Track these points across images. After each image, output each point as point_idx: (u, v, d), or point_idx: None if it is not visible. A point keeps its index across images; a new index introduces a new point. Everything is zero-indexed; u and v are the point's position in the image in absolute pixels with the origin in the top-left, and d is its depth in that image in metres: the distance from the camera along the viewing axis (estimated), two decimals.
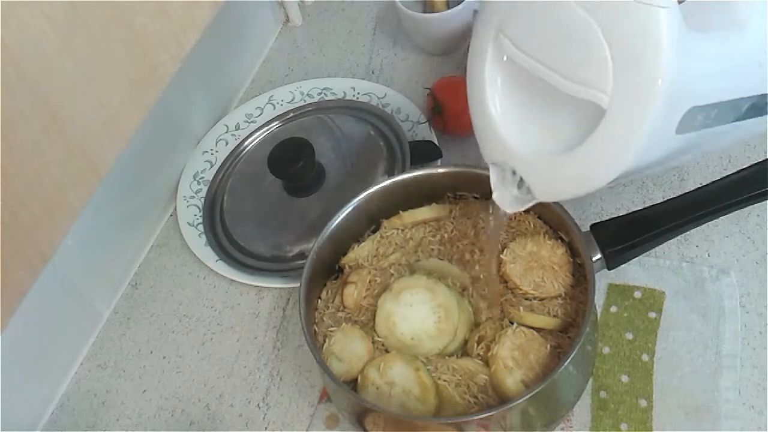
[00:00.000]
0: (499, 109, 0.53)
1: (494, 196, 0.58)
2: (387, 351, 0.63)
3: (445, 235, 0.70)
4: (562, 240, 0.66)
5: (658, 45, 0.43)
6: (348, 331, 0.64)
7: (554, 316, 0.63)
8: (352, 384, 0.62)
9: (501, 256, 0.66)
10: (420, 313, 0.63)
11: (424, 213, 0.71)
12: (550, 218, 0.68)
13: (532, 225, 0.69)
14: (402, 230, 0.71)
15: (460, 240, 0.69)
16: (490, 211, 0.60)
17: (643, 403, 0.66)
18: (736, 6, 0.50)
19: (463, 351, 0.64)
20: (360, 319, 0.66)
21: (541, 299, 0.64)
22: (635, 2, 0.43)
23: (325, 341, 0.64)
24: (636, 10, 0.43)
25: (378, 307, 0.64)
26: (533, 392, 0.56)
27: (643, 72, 0.44)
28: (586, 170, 0.50)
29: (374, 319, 0.64)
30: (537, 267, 0.65)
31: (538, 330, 0.62)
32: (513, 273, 0.65)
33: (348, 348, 0.63)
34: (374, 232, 0.72)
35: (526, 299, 0.65)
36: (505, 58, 0.53)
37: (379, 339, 0.64)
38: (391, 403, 0.60)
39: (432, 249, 0.70)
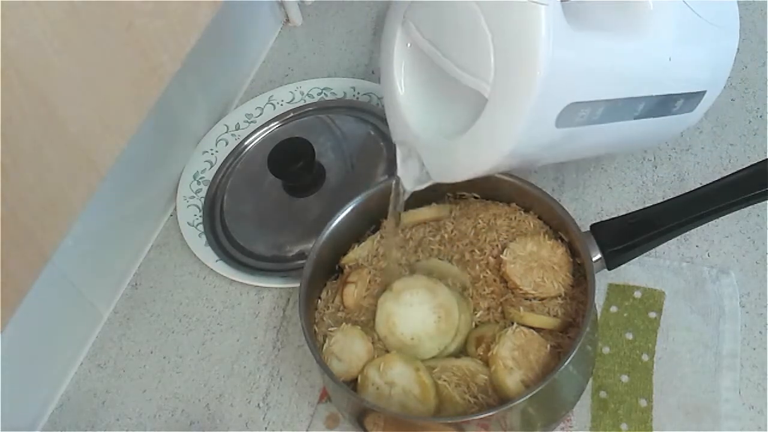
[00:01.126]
0: (403, 91, 0.55)
1: (398, 173, 0.61)
2: (387, 351, 0.63)
3: (445, 235, 0.70)
4: (562, 240, 0.67)
5: (535, 40, 0.45)
6: (348, 331, 0.64)
7: (554, 316, 0.63)
8: (352, 384, 0.62)
9: (501, 256, 0.66)
10: (420, 313, 0.63)
11: (424, 213, 0.71)
12: (550, 218, 0.68)
13: (532, 225, 0.69)
14: (402, 230, 0.71)
15: (460, 240, 0.69)
16: (392, 189, 0.63)
17: (643, 403, 0.66)
18: (633, 8, 0.51)
19: (463, 351, 0.64)
20: (360, 319, 0.66)
21: (541, 299, 0.64)
22: None
23: (325, 341, 0.64)
24: (518, 5, 0.44)
25: (378, 307, 0.64)
26: (533, 392, 0.56)
27: (520, 66, 0.46)
28: (471, 154, 0.52)
29: (374, 319, 0.64)
30: (537, 267, 0.65)
31: (538, 330, 0.62)
32: (513, 273, 0.65)
33: (348, 348, 0.63)
34: (374, 232, 0.72)
35: (526, 299, 0.65)
36: (409, 43, 0.55)
37: (379, 339, 0.64)
38: (391, 403, 0.60)
39: (432, 249, 0.70)
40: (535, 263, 0.65)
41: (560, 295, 0.64)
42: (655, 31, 0.51)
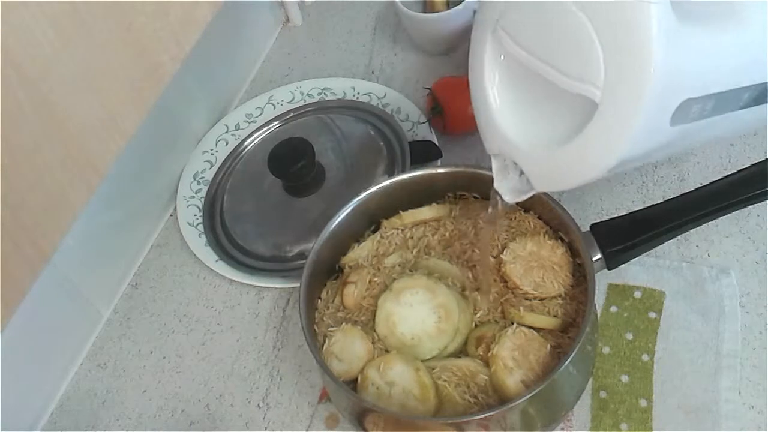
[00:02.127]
0: (498, 102, 0.54)
1: (495, 185, 0.58)
2: (387, 351, 0.63)
3: (446, 235, 0.70)
4: (562, 240, 0.66)
5: (647, 40, 0.44)
6: (348, 331, 0.64)
7: (554, 316, 0.63)
8: (352, 384, 0.62)
9: (501, 255, 0.66)
10: (420, 313, 0.63)
11: (424, 213, 0.71)
12: (550, 218, 0.68)
13: (532, 225, 0.69)
14: (402, 230, 0.71)
15: (460, 240, 0.69)
16: (491, 200, 0.61)
17: (643, 403, 0.66)
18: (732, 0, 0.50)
19: (463, 351, 0.64)
20: (360, 319, 0.66)
21: (541, 299, 0.64)
22: None
23: (325, 341, 0.64)
24: (625, 5, 0.43)
25: (378, 307, 0.64)
26: (533, 392, 0.56)
27: (633, 67, 0.45)
28: (581, 161, 0.51)
29: (374, 320, 0.64)
30: (537, 267, 0.65)
31: (538, 330, 0.62)
32: (513, 273, 0.65)
33: (348, 348, 0.63)
34: (374, 232, 0.72)
35: (526, 299, 0.65)
36: (502, 54, 0.53)
37: (380, 339, 0.64)
38: (391, 403, 0.60)
39: (432, 249, 0.70)
40: (535, 263, 0.65)
41: (560, 295, 0.64)
42: (755, 18, 0.49)
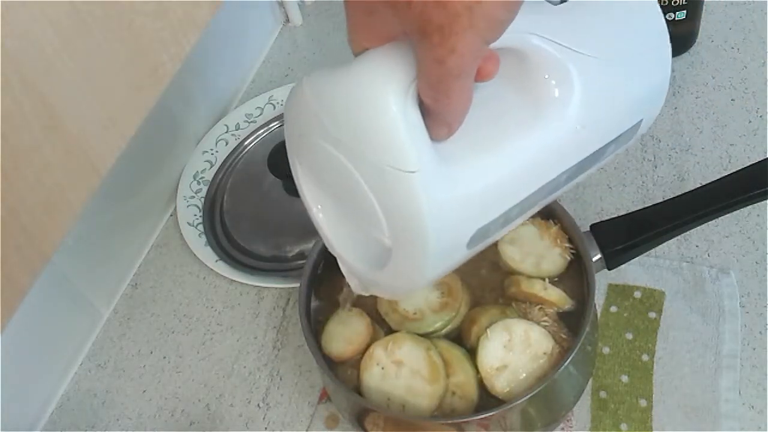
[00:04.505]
0: (322, 217, 0.53)
1: (347, 279, 0.57)
2: (385, 332, 0.63)
3: None
4: (553, 222, 0.66)
5: (414, 206, 0.43)
6: (346, 313, 0.64)
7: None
8: (354, 363, 0.62)
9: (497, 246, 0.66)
10: (423, 291, 0.63)
11: None
12: (549, 218, 0.68)
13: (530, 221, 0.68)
14: None
15: None
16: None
17: (643, 403, 0.66)
18: (529, 95, 0.47)
19: (458, 333, 0.63)
20: (359, 304, 0.66)
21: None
22: (387, 166, 0.42)
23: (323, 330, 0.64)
24: (389, 173, 0.42)
25: None
26: (533, 392, 0.56)
27: (410, 224, 0.44)
28: (395, 285, 0.51)
29: (375, 306, 0.64)
30: (533, 251, 0.65)
31: (543, 324, 0.61)
32: (511, 259, 0.64)
33: (347, 327, 0.63)
34: None
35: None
36: (310, 179, 0.52)
37: (380, 317, 0.63)
38: (396, 385, 0.59)
39: None
40: (531, 247, 0.65)
41: (561, 273, 0.64)
42: (555, 108, 0.46)
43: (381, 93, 0.41)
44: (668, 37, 0.49)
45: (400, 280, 0.49)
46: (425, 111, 0.41)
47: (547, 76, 0.46)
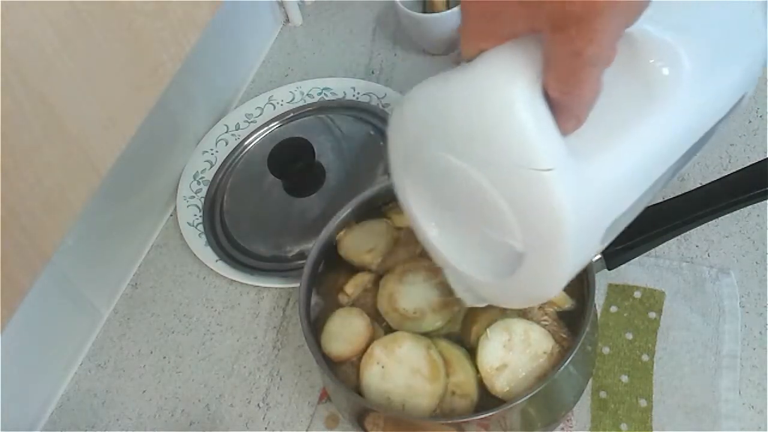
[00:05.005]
0: (436, 233, 0.52)
1: (456, 293, 0.57)
2: (385, 332, 0.63)
3: None
4: None
5: (553, 206, 0.42)
6: (346, 311, 0.64)
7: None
8: (354, 362, 0.62)
9: None
10: (423, 289, 0.63)
11: None
12: None
13: None
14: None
15: None
16: None
17: (643, 403, 0.66)
18: (644, 80, 0.46)
19: (458, 333, 0.63)
20: (359, 304, 0.66)
21: None
22: (521, 167, 0.41)
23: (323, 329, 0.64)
24: (523, 174, 0.42)
25: (380, 287, 0.64)
26: (533, 392, 0.56)
27: (546, 228, 0.43)
28: (524, 293, 0.50)
29: (374, 305, 0.64)
30: None
31: (543, 323, 0.62)
32: None
33: (347, 327, 0.63)
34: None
35: None
36: (424, 195, 0.51)
37: (380, 317, 0.63)
38: (396, 384, 0.59)
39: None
40: None
41: None
42: (669, 90, 0.46)
43: (508, 91, 0.40)
44: (762, 4, 0.49)
45: (533, 285, 0.48)
46: (552, 105, 0.40)
47: (654, 60, 0.45)
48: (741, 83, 0.50)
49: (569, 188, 0.42)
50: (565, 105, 0.40)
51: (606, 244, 0.49)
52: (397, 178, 0.51)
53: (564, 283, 0.48)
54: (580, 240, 0.44)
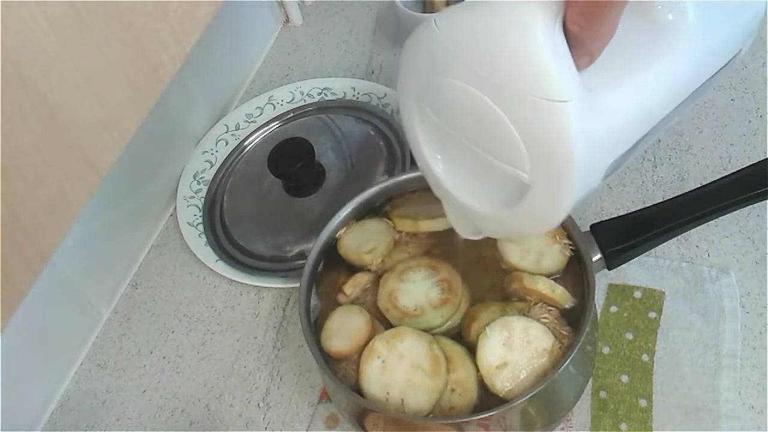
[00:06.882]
0: (441, 168, 0.53)
1: (452, 224, 0.58)
2: (385, 328, 0.63)
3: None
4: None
5: (564, 138, 0.43)
6: (345, 309, 0.64)
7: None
8: (354, 360, 0.62)
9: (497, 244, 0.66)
10: (423, 287, 0.63)
11: (441, 224, 0.69)
12: None
13: None
14: (415, 234, 0.70)
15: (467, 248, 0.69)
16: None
17: (643, 403, 0.66)
18: (650, 23, 0.47)
19: (458, 331, 0.63)
20: (359, 303, 0.66)
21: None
22: (536, 97, 0.42)
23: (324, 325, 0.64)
24: (538, 104, 0.42)
25: (380, 286, 0.64)
26: (533, 392, 0.56)
27: (555, 160, 0.44)
28: (526, 224, 0.51)
29: (375, 304, 0.64)
30: (533, 248, 0.65)
31: (543, 320, 0.61)
32: (511, 256, 0.64)
33: (347, 324, 0.63)
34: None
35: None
36: (432, 125, 0.51)
37: (380, 314, 0.63)
38: (396, 379, 0.59)
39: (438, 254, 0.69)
40: (530, 244, 0.65)
41: (560, 270, 0.64)
42: (674, 34, 0.47)
43: (530, 21, 0.40)
44: None
45: (535, 216, 0.49)
46: (569, 40, 0.41)
47: (661, 6, 0.46)
48: (740, 38, 0.52)
49: (581, 122, 0.43)
50: (581, 40, 0.41)
51: (606, 182, 0.50)
52: (405, 110, 0.52)
53: (563, 217, 0.49)
54: (585, 175, 0.45)
